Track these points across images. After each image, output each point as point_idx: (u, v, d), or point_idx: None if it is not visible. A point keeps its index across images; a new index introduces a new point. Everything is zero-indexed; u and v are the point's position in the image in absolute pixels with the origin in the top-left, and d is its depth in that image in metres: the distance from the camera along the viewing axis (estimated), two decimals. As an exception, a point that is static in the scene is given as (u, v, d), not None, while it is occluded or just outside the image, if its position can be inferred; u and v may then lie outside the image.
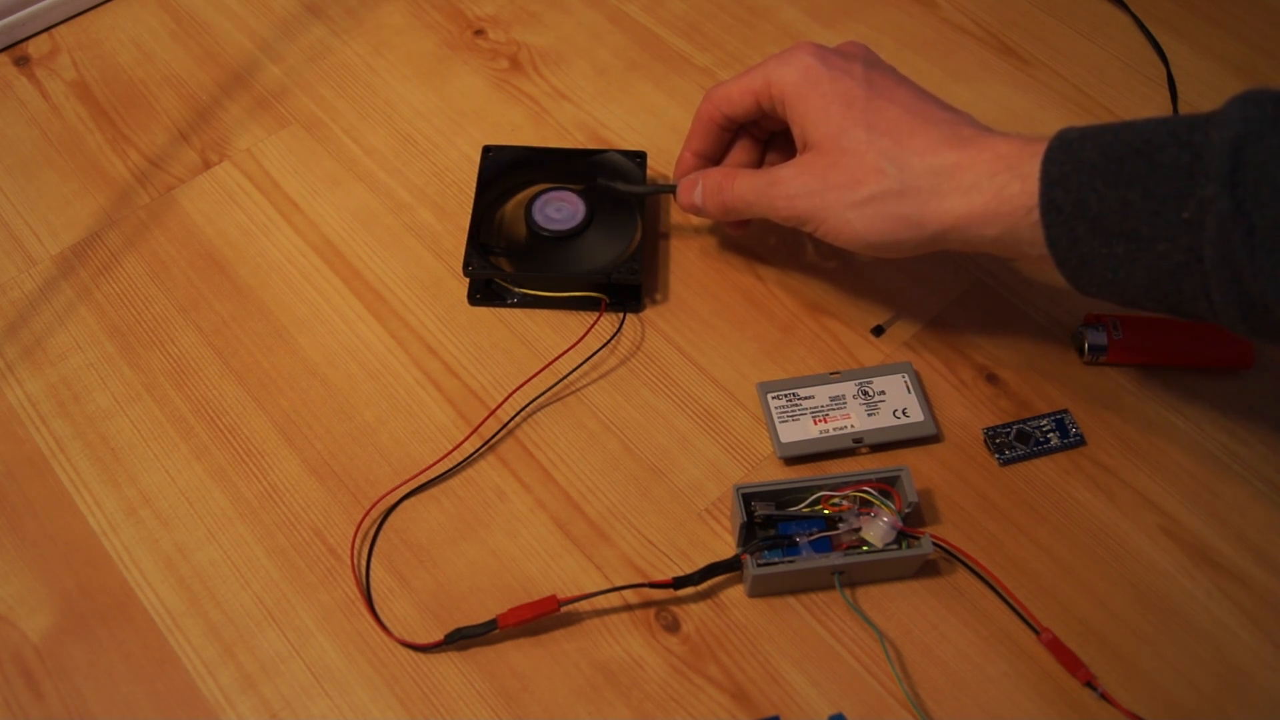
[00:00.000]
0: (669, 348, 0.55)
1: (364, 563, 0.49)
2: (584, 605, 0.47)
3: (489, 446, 0.52)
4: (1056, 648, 0.46)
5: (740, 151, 0.55)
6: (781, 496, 0.48)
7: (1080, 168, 0.41)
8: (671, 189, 0.55)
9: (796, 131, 0.50)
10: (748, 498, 0.47)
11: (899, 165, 0.46)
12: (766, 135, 0.56)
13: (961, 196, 0.45)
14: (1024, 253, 0.45)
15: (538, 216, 0.57)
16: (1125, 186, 0.40)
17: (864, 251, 0.49)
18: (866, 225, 0.47)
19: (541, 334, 0.56)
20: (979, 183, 0.44)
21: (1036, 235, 0.43)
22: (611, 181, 0.57)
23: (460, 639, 0.46)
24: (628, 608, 0.48)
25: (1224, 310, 0.39)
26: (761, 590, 0.48)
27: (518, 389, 0.53)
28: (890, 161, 0.46)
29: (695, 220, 0.60)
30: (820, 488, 0.48)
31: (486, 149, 0.60)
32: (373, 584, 0.48)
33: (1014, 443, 0.52)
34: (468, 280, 0.57)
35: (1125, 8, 0.70)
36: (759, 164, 0.56)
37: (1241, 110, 0.38)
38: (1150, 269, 0.41)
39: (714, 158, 0.56)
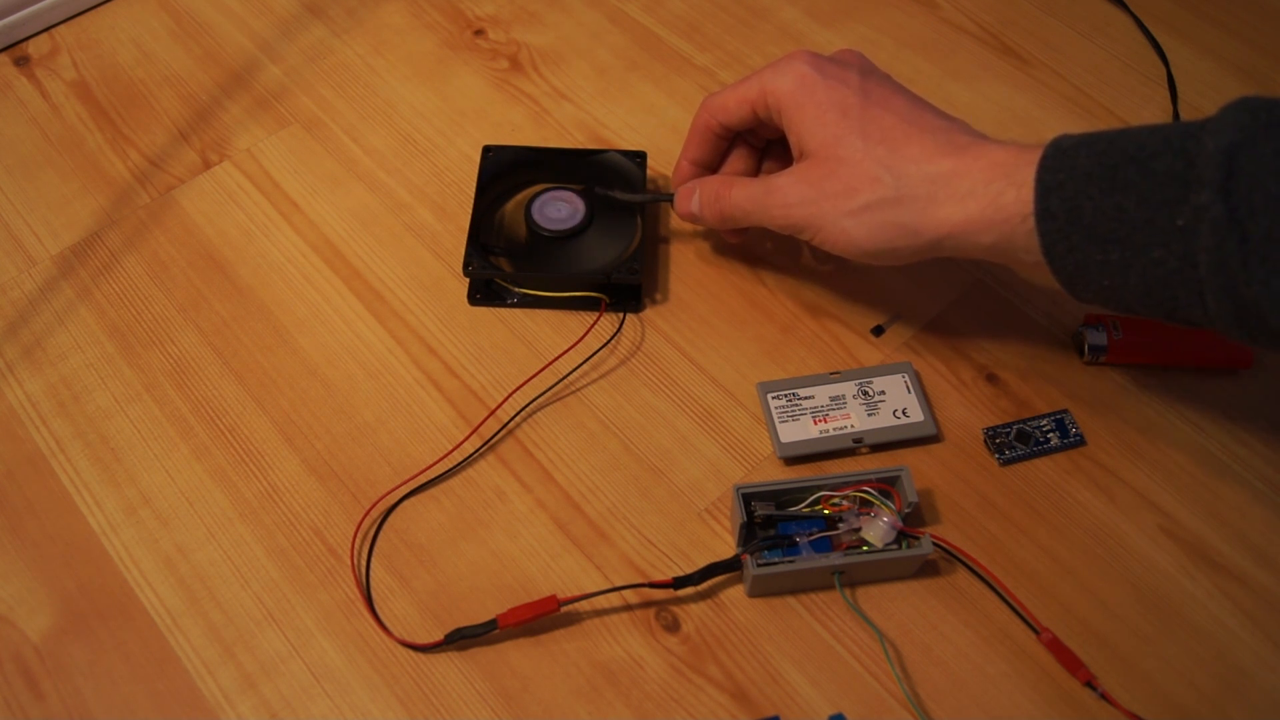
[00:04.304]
0: (669, 348, 0.55)
1: (364, 563, 0.49)
2: (584, 605, 0.47)
3: (489, 446, 0.52)
4: (1056, 648, 0.46)
5: (737, 160, 0.55)
6: (781, 496, 0.48)
7: (1075, 175, 0.42)
8: (669, 198, 0.55)
9: (793, 140, 0.50)
10: (748, 498, 0.47)
11: (895, 173, 0.46)
12: (763, 143, 0.56)
13: (957, 204, 0.45)
14: (1020, 259, 0.45)
15: (538, 216, 0.57)
16: (1120, 194, 0.40)
17: (860, 259, 0.49)
18: (863, 233, 0.47)
19: (541, 334, 0.56)
20: (975, 190, 0.44)
21: (1032, 243, 0.43)
22: (610, 190, 0.57)
23: (460, 639, 0.46)
24: (628, 608, 0.48)
25: (1219, 317, 0.40)
26: (761, 590, 0.48)
27: (518, 389, 0.53)
28: (886, 170, 0.46)
29: (695, 221, 0.60)
30: (820, 488, 0.48)
31: (486, 149, 0.60)
32: (373, 584, 0.48)
33: (1014, 443, 0.52)
34: (468, 280, 0.57)
35: (1125, 8, 0.70)
36: (756, 172, 0.56)
37: (1235, 118, 0.38)
38: (1145, 276, 0.41)
39: (711, 166, 0.56)
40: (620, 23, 0.69)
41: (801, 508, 0.48)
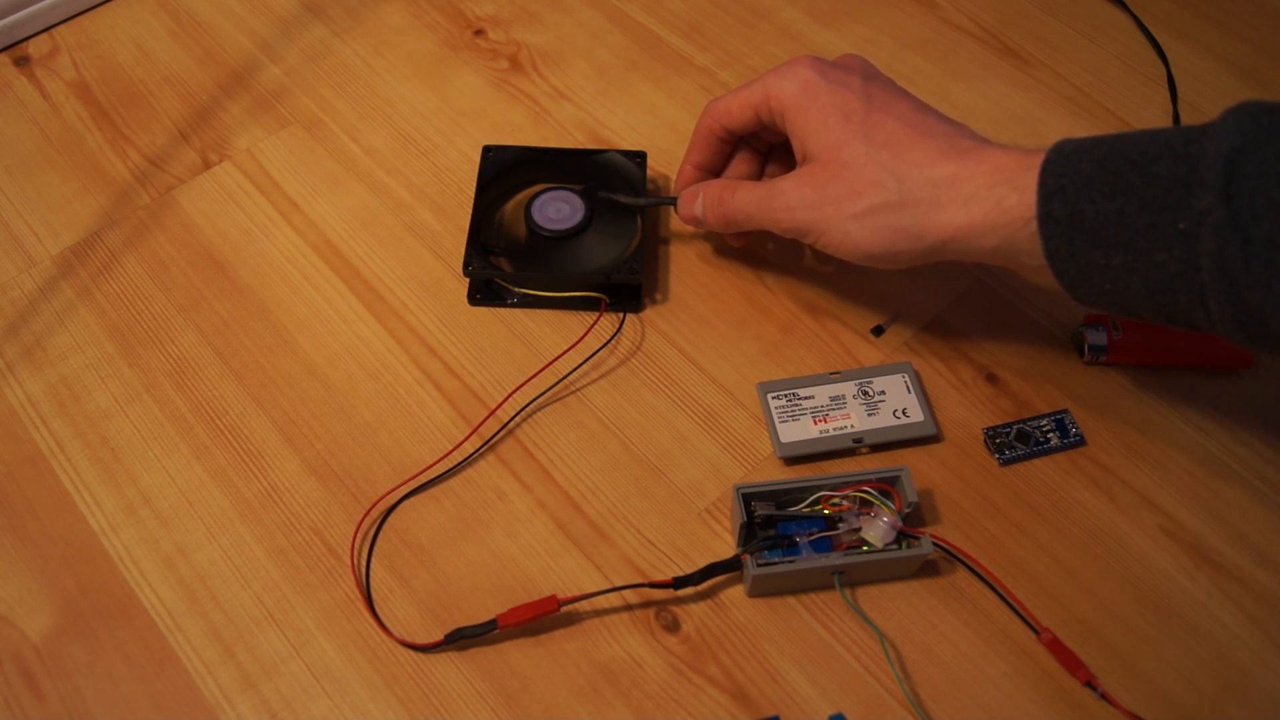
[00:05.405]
0: (669, 348, 0.55)
1: (364, 563, 0.49)
2: (584, 605, 0.47)
3: (489, 446, 0.52)
4: (1056, 648, 0.46)
5: (740, 164, 0.56)
6: (781, 496, 0.48)
7: (1077, 179, 0.42)
8: (672, 201, 0.56)
9: (796, 144, 0.50)
10: (748, 498, 0.47)
11: (898, 177, 0.46)
12: (766, 147, 0.56)
13: (960, 208, 0.45)
14: (1023, 263, 0.45)
15: (537, 216, 0.57)
16: (1121, 198, 0.40)
17: (863, 262, 0.49)
18: (866, 237, 0.47)
19: (541, 334, 0.56)
20: (977, 194, 0.45)
21: (1034, 246, 0.43)
22: (614, 194, 0.57)
23: (460, 639, 0.46)
24: (628, 608, 0.48)
25: (1221, 321, 0.40)
26: (761, 590, 0.48)
27: (518, 389, 0.53)
28: (889, 174, 0.46)
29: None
30: (820, 488, 0.48)
31: (486, 149, 0.60)
32: (373, 584, 0.48)
33: (1014, 443, 0.52)
34: (468, 280, 0.57)
35: (1125, 8, 0.70)
36: (759, 176, 0.56)
37: (1237, 122, 0.38)
38: (1147, 280, 0.41)
39: (714, 170, 0.56)
40: (620, 23, 0.69)
41: (801, 508, 0.48)
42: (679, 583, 0.47)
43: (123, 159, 0.62)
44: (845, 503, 0.47)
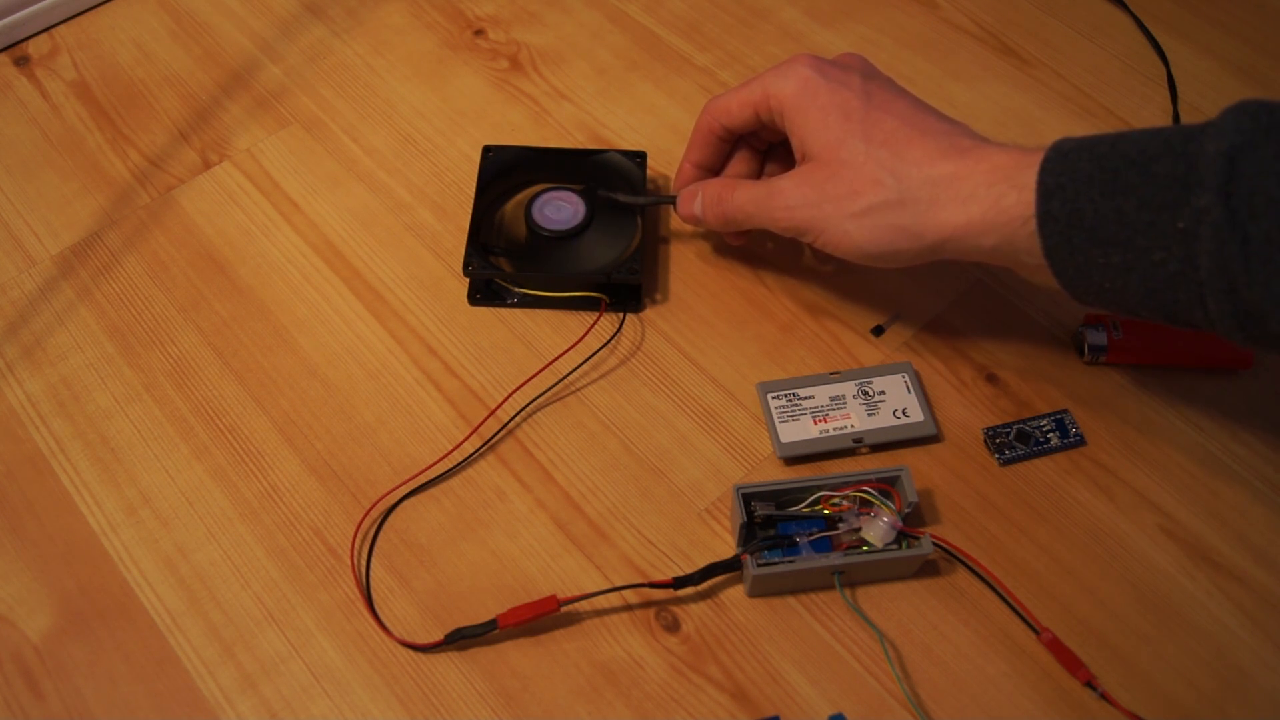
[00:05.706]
0: (669, 348, 0.55)
1: (364, 563, 0.49)
2: (584, 605, 0.47)
3: (489, 446, 0.52)
4: (1056, 648, 0.46)
5: (740, 162, 0.56)
6: (781, 496, 0.48)
7: (1076, 178, 0.42)
8: (672, 200, 0.56)
9: (795, 143, 0.50)
10: (748, 498, 0.47)
11: (897, 176, 0.46)
12: (766, 146, 0.56)
13: (959, 207, 0.45)
14: (1022, 262, 0.45)
15: (537, 216, 0.57)
16: (1120, 196, 0.40)
17: (862, 261, 0.49)
18: (865, 236, 0.47)
19: (541, 334, 0.56)
20: (976, 193, 0.45)
21: (1033, 245, 0.43)
22: (613, 193, 0.57)
23: (460, 639, 0.46)
24: (628, 608, 0.48)
25: (1220, 320, 0.40)
26: (761, 590, 0.48)
27: (518, 389, 0.53)
28: (888, 172, 0.46)
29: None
30: (820, 488, 0.48)
31: (486, 149, 0.60)
32: (373, 584, 0.48)
33: (1014, 443, 0.52)
34: (468, 280, 0.57)
35: (1125, 8, 0.70)
36: (758, 174, 0.56)
37: (1235, 121, 0.38)
38: (1146, 278, 0.41)
39: (714, 168, 0.56)
40: (620, 23, 0.69)
41: (801, 508, 0.48)
42: (679, 583, 0.47)
43: (123, 159, 0.62)
44: (845, 503, 0.47)
